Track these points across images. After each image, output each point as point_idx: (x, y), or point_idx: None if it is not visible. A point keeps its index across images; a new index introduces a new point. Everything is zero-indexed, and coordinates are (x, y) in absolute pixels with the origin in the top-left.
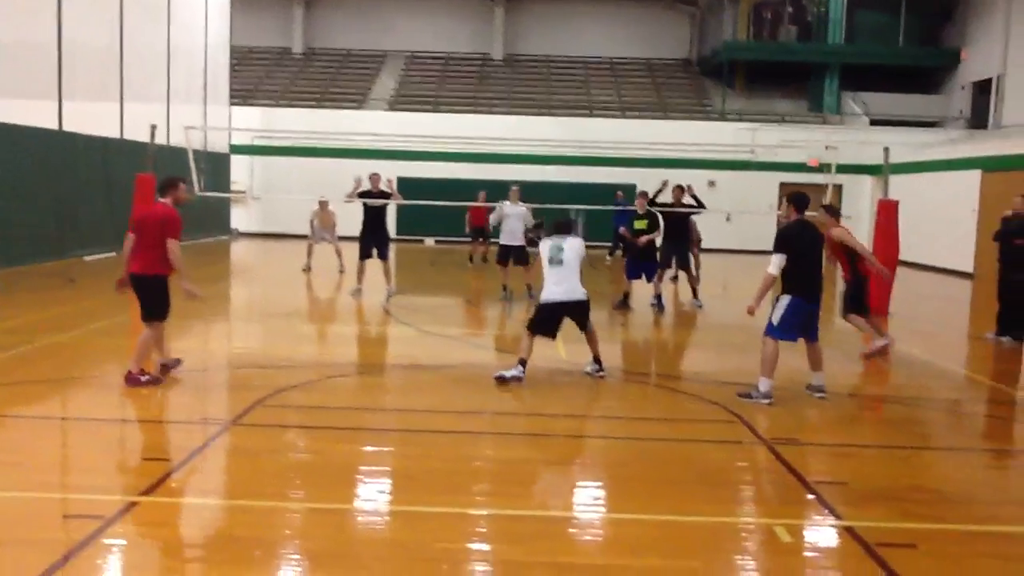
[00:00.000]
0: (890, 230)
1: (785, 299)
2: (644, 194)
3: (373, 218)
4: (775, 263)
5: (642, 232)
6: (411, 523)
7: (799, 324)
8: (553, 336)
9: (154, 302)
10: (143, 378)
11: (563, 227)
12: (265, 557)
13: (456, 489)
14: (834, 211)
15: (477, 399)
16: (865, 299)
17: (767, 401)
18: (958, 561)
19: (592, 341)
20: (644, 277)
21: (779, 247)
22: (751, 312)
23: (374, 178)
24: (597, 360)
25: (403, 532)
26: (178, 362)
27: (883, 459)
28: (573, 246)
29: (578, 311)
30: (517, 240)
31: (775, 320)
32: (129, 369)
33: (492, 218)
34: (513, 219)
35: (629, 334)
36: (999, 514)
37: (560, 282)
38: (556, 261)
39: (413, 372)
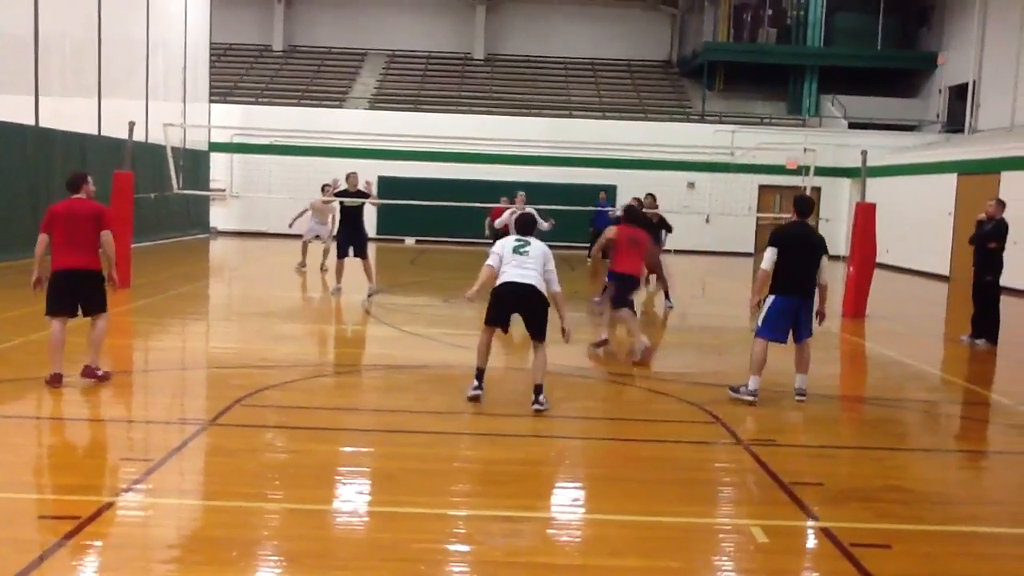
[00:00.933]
0: (867, 233)
1: (770, 299)
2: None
3: (350, 217)
4: (767, 258)
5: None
6: (389, 523)
7: (785, 323)
8: (506, 326)
9: (101, 295)
10: (99, 372)
11: (528, 226)
12: (242, 557)
13: (434, 490)
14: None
15: (456, 400)
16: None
17: (751, 398)
18: (932, 561)
19: (540, 363)
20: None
21: (771, 242)
22: (752, 309)
23: (351, 177)
24: (537, 391)
25: (381, 532)
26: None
27: (859, 460)
28: (539, 247)
29: (532, 304)
30: None
31: (760, 320)
32: (88, 363)
33: (497, 223)
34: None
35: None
36: (974, 514)
37: (522, 266)
38: (522, 252)
39: (392, 372)
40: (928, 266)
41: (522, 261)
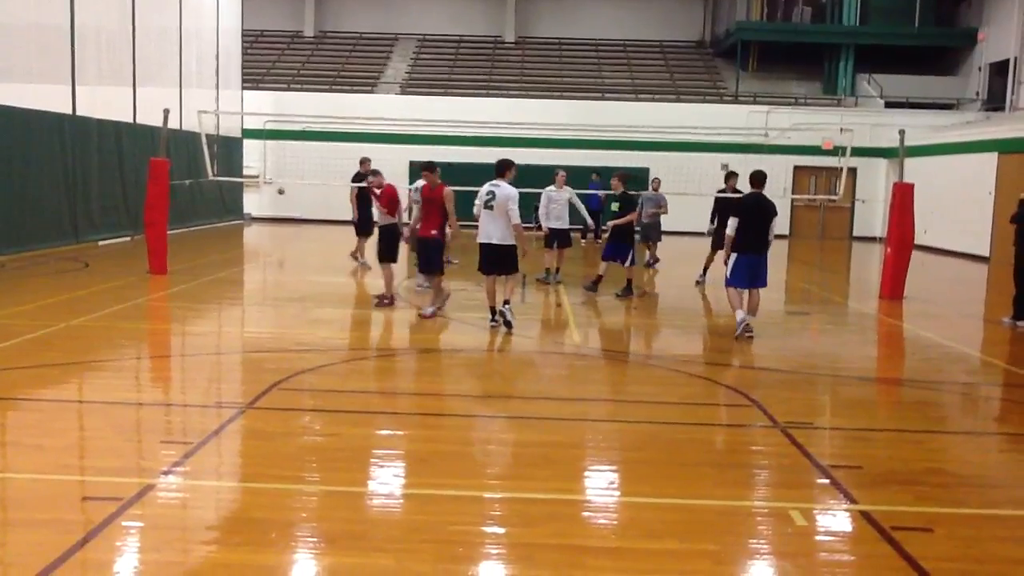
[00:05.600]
0: (905, 213)
1: (733, 256)
2: (622, 176)
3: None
4: (730, 225)
5: (614, 215)
6: (425, 505)
7: (746, 275)
8: (490, 274)
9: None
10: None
11: (500, 168)
12: (281, 539)
13: (470, 472)
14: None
15: (490, 383)
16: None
17: (743, 327)
18: (975, 544)
19: (509, 285)
20: (619, 261)
21: (733, 212)
22: (725, 263)
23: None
24: (506, 301)
25: (417, 514)
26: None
27: (898, 443)
28: (503, 193)
29: (498, 255)
30: (563, 224)
31: (728, 273)
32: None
33: (541, 209)
34: (561, 204)
35: (642, 318)
36: (1016, 497)
37: (485, 226)
38: (487, 207)
39: (426, 356)
40: (968, 247)
41: (488, 218)
